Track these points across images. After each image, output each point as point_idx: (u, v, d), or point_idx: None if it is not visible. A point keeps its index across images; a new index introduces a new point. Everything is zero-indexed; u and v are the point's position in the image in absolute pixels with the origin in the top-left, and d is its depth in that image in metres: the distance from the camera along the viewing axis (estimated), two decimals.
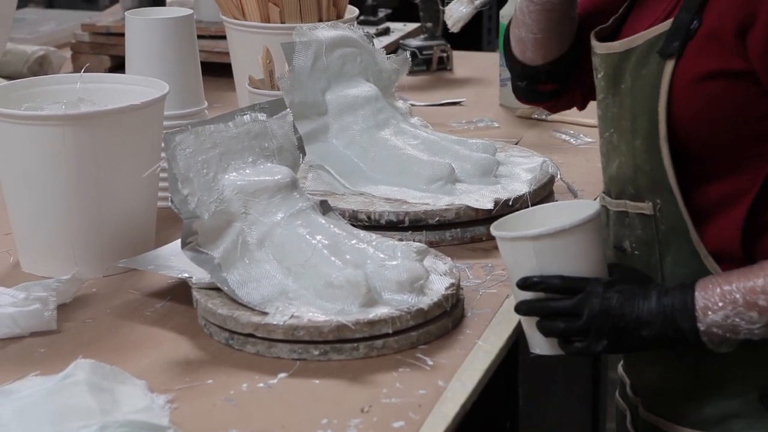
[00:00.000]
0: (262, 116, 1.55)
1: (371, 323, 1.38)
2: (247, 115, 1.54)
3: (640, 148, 1.37)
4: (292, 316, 1.38)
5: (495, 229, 1.35)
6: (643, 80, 1.35)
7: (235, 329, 1.40)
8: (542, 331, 1.33)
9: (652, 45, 1.34)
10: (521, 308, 1.34)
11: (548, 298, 1.32)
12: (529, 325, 1.35)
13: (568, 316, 1.31)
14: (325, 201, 1.59)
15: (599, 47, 1.42)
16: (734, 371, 1.36)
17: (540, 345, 1.35)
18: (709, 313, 1.27)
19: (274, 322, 1.38)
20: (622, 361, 1.57)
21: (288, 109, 1.59)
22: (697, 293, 1.29)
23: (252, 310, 1.40)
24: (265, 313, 1.39)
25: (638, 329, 1.30)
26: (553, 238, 1.30)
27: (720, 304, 1.27)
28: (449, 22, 1.43)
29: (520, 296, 1.34)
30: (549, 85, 1.62)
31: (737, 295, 1.27)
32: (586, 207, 1.36)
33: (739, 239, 1.34)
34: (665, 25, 1.34)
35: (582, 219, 1.31)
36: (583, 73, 1.59)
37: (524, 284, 1.32)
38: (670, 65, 1.33)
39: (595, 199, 1.85)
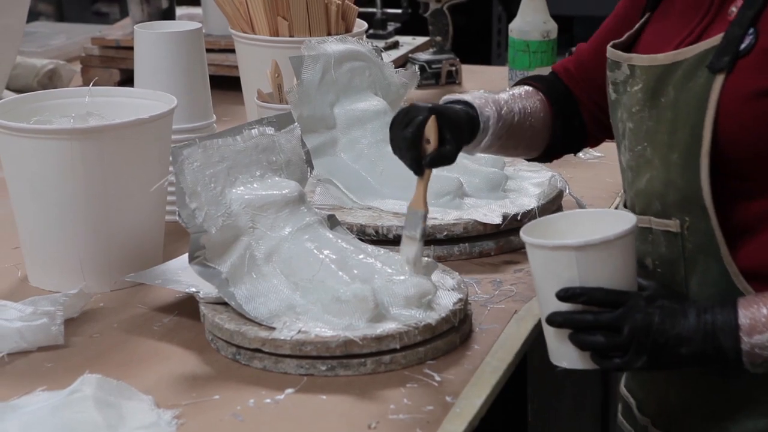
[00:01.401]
0: (270, 130, 1.55)
1: (379, 339, 1.37)
2: (255, 129, 1.53)
3: (677, 162, 1.34)
4: (299, 331, 1.38)
5: (527, 235, 1.30)
6: (689, 93, 1.33)
7: (242, 344, 1.40)
8: (578, 345, 1.28)
9: (701, 59, 1.32)
10: (556, 319, 1.29)
11: (586, 310, 1.27)
12: (559, 337, 1.30)
13: (608, 330, 1.27)
14: (333, 215, 1.58)
15: (641, 59, 1.39)
16: (765, 389, 1.33)
17: (569, 358, 1.30)
18: (756, 334, 1.24)
19: (282, 337, 1.37)
20: (623, 380, 1.54)
21: (296, 123, 1.58)
22: (740, 312, 1.26)
23: (259, 325, 1.40)
24: (272, 328, 1.39)
25: (678, 346, 1.27)
26: (598, 249, 1.26)
27: (764, 324, 1.24)
28: (407, 267, 1.44)
29: (552, 307, 1.29)
30: (563, 153, 1.67)
31: None
32: (613, 218, 1.32)
33: None
34: (715, 40, 1.32)
35: (625, 230, 1.27)
36: (595, 124, 1.61)
37: (565, 295, 1.27)
38: (719, 80, 1.30)
39: None
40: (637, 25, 1.46)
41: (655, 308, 1.27)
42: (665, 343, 1.27)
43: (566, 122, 1.62)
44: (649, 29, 1.44)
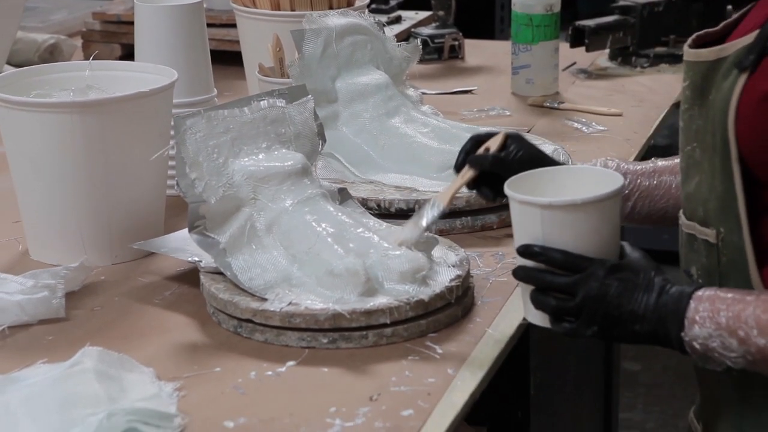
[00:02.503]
0: (280, 102, 1.54)
1: (368, 313, 1.36)
2: (265, 101, 1.53)
3: (718, 167, 1.27)
4: (290, 303, 1.38)
5: (509, 187, 1.29)
6: (721, 93, 1.26)
7: (234, 314, 1.40)
8: (534, 303, 1.28)
9: (738, 56, 1.25)
10: (519, 274, 1.29)
11: (547, 270, 1.27)
12: (525, 291, 1.30)
13: (562, 293, 1.26)
14: (344, 189, 1.57)
15: (688, 53, 1.31)
16: None
17: (532, 314, 1.30)
18: (695, 326, 1.22)
19: (271, 309, 1.37)
20: (694, 408, 1.47)
21: (310, 96, 1.57)
22: (692, 302, 1.23)
23: (252, 296, 1.40)
24: (264, 300, 1.39)
25: (632, 322, 1.25)
26: (564, 210, 1.25)
27: (707, 320, 1.22)
28: (397, 244, 1.42)
29: (520, 261, 1.29)
30: None
31: (723, 318, 1.21)
32: (609, 180, 1.29)
33: None
34: (751, 36, 1.24)
35: (597, 196, 1.25)
36: None
37: (525, 251, 1.27)
38: (742, 79, 1.23)
39: None
40: (738, 13, 1.36)
41: (614, 279, 1.24)
42: (619, 317, 1.25)
43: None
44: (745, 20, 1.34)
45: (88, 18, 2.59)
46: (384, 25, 1.93)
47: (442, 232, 1.65)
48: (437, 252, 1.49)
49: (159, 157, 1.57)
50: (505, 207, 1.70)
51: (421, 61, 2.26)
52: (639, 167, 1.52)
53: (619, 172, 1.45)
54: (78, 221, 1.58)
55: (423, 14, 2.75)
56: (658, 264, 1.30)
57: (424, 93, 2.13)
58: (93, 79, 1.67)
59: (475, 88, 2.38)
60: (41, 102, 1.57)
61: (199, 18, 1.88)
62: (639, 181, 1.51)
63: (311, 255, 1.42)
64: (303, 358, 1.36)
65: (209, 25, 1.95)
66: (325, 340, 1.37)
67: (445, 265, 1.47)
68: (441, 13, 2.61)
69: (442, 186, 1.72)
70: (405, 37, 2.60)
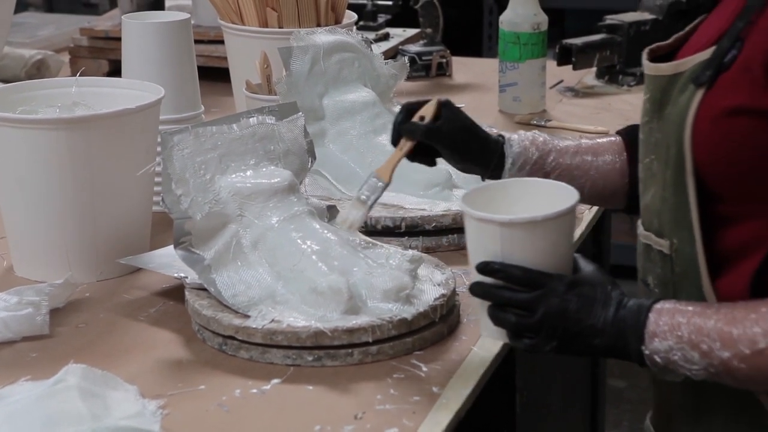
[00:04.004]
0: (270, 119, 1.54)
1: (350, 331, 1.36)
2: (254, 118, 1.53)
3: (670, 179, 1.29)
4: (272, 320, 1.37)
5: (465, 203, 1.28)
6: (678, 107, 1.27)
7: (218, 331, 1.39)
8: (493, 319, 1.27)
9: (695, 71, 1.26)
10: (476, 290, 1.28)
11: (506, 286, 1.26)
12: (482, 307, 1.29)
13: (522, 310, 1.25)
14: (334, 206, 1.57)
15: (649, 68, 1.33)
16: None
17: (490, 330, 1.29)
18: (656, 339, 1.22)
19: (253, 326, 1.37)
20: (650, 414, 1.48)
21: (300, 113, 1.57)
22: (651, 315, 1.23)
23: (235, 312, 1.40)
24: (247, 317, 1.38)
25: (592, 336, 1.25)
26: (523, 227, 1.25)
27: (668, 334, 1.22)
28: (344, 226, 1.42)
29: (477, 277, 1.28)
30: None
31: (685, 331, 1.21)
32: (564, 195, 1.29)
33: (748, 294, 1.25)
34: (708, 52, 1.25)
35: (556, 212, 1.25)
36: None
37: (484, 269, 1.26)
38: (699, 94, 1.24)
39: (590, 208, 1.84)
40: (689, 27, 1.38)
41: (573, 296, 1.25)
42: (579, 332, 1.25)
43: None
44: (696, 34, 1.36)
45: (76, 34, 2.59)
46: (371, 43, 1.94)
47: (428, 250, 1.65)
48: (423, 270, 1.49)
49: (145, 173, 1.56)
50: None
51: (409, 78, 2.27)
52: (563, 145, 1.53)
53: (545, 147, 1.50)
54: (63, 237, 1.57)
55: (411, 31, 2.76)
56: (612, 278, 1.30)
57: None
58: (79, 95, 1.67)
59: (463, 105, 2.35)
60: (27, 118, 1.57)
61: (186, 34, 1.88)
62: (561, 159, 1.52)
63: (296, 272, 1.42)
64: (288, 375, 1.35)
65: (197, 42, 1.95)
66: (310, 358, 1.37)
67: (431, 284, 1.47)
68: (429, 30, 2.62)
69: (428, 204, 1.73)
70: (393, 54, 2.61)
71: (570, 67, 2.44)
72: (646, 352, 1.23)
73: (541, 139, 1.53)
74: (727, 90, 1.23)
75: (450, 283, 1.48)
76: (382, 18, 2.76)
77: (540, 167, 1.50)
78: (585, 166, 1.52)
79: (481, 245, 1.27)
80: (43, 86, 1.71)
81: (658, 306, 1.24)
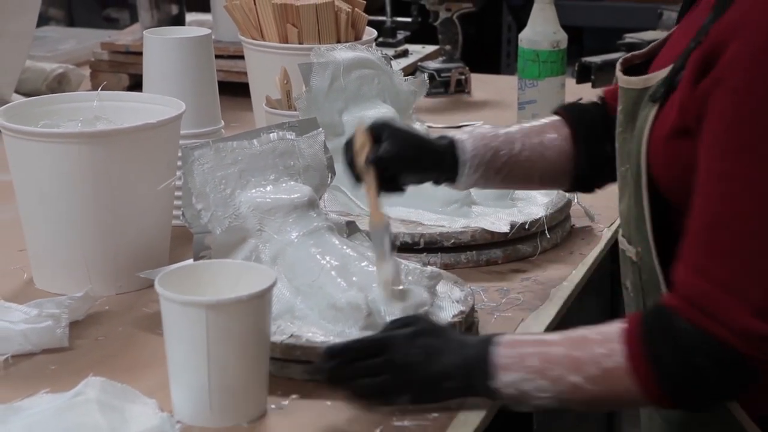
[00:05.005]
0: (290, 135, 1.54)
1: None
2: (274, 133, 1.53)
3: (632, 191, 1.31)
4: (291, 335, 1.38)
5: (161, 286, 1.26)
6: (639, 121, 1.29)
7: None
8: (358, 394, 1.27)
9: (657, 87, 1.27)
10: (321, 377, 1.28)
11: (349, 359, 1.26)
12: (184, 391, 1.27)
13: (371, 376, 1.26)
14: (353, 222, 1.57)
15: (621, 80, 1.35)
16: None
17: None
18: (505, 372, 1.23)
19: (272, 341, 1.37)
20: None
21: (320, 129, 1.57)
22: (499, 349, 1.24)
23: None
24: None
25: (441, 381, 1.26)
26: (229, 307, 1.24)
27: (517, 365, 1.23)
28: (389, 287, 1.42)
29: (180, 362, 1.25)
30: (604, 182, 1.60)
31: (535, 361, 1.22)
32: (254, 272, 1.30)
33: None
34: (667, 69, 1.26)
35: (259, 291, 1.25)
36: None
37: (332, 353, 1.26)
38: (653, 112, 1.26)
39: (610, 225, 1.84)
40: (664, 36, 1.40)
41: (416, 348, 1.26)
42: (429, 381, 1.26)
43: (595, 151, 1.55)
44: (666, 46, 1.38)
45: (97, 48, 2.60)
46: (391, 59, 1.94)
47: (446, 266, 1.65)
48: (442, 287, 1.49)
49: (166, 187, 1.57)
50: (511, 242, 1.71)
51: (428, 94, 2.27)
52: (510, 134, 1.56)
53: (494, 143, 1.54)
54: (83, 251, 1.58)
55: (430, 48, 2.76)
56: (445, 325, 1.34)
57: (430, 126, 2.13)
58: (101, 109, 1.68)
59: (481, 122, 2.38)
60: (49, 132, 1.58)
61: (207, 50, 1.89)
62: (511, 148, 1.55)
63: (314, 288, 1.42)
64: (307, 391, 1.35)
65: (217, 57, 1.96)
66: None
67: (450, 300, 1.47)
68: (448, 47, 2.62)
69: (447, 220, 1.73)
70: (412, 71, 2.61)
71: (589, 84, 2.44)
72: (497, 385, 1.24)
73: (490, 134, 1.55)
74: (672, 109, 1.24)
75: (469, 300, 1.48)
76: (401, 35, 2.77)
77: (493, 165, 1.54)
78: (537, 149, 1.55)
79: (184, 328, 1.25)
80: (65, 100, 1.72)
81: (499, 339, 1.25)
